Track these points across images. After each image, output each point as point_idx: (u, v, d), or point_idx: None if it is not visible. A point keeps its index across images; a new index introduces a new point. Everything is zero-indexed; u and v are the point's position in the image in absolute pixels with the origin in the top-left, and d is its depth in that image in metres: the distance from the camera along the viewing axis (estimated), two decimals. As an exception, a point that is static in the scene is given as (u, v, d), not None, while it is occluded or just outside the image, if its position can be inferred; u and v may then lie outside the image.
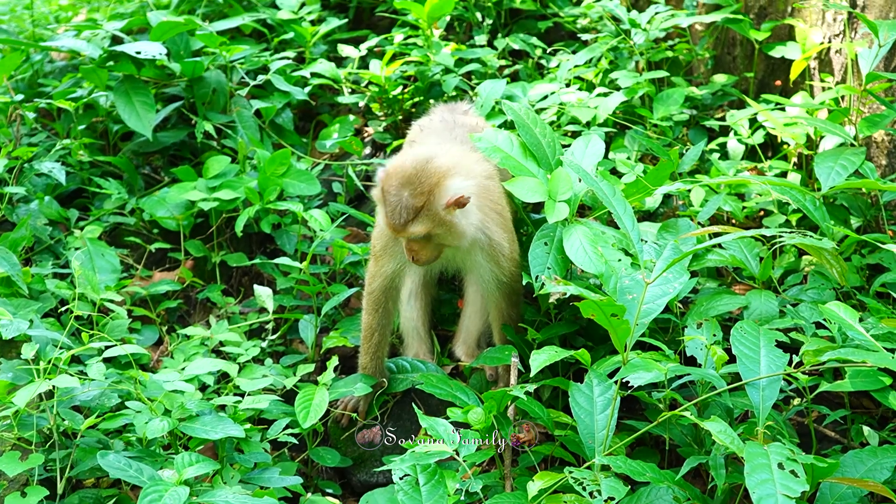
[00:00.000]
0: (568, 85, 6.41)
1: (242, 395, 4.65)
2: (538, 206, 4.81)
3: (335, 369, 4.91)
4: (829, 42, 5.59)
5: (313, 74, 6.91)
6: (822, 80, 5.68)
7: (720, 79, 6.31)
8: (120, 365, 4.82)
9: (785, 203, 5.21)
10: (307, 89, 6.85)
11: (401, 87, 6.86)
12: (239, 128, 6.47)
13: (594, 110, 5.94)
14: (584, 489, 3.46)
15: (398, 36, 7.00)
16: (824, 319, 4.15)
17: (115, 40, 6.67)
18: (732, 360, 3.82)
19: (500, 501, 3.80)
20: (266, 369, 5.01)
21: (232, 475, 4.26)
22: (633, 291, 4.03)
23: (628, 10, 6.51)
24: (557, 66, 6.71)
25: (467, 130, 4.97)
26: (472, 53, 6.85)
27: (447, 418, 3.98)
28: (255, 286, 5.43)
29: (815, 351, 3.71)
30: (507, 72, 6.97)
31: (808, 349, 3.74)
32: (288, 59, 6.91)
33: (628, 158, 5.69)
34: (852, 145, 4.97)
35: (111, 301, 5.22)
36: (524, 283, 4.64)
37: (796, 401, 4.39)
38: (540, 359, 3.85)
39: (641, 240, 4.16)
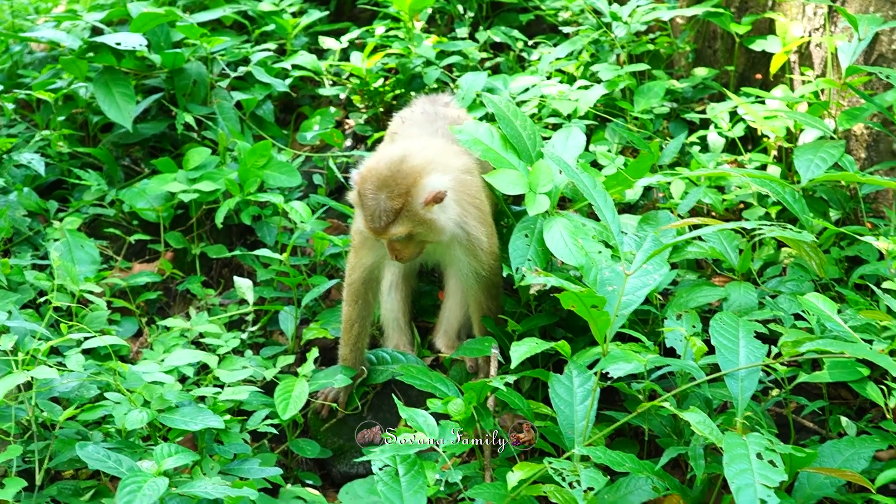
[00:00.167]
0: (549, 77, 6.41)
1: (222, 387, 4.64)
2: (519, 199, 4.82)
3: (315, 361, 4.90)
4: (810, 36, 5.60)
5: (294, 66, 6.89)
6: (802, 74, 5.69)
7: (701, 72, 6.32)
8: (99, 356, 4.80)
9: (765, 196, 5.22)
10: (288, 81, 6.83)
11: (382, 80, 6.85)
12: (219, 119, 6.45)
13: (575, 103, 5.94)
14: (563, 479, 3.47)
15: (379, 28, 7.00)
16: (803, 311, 4.17)
17: (95, 31, 6.65)
18: (712, 351, 3.83)
19: (480, 492, 3.80)
20: (246, 361, 5.00)
21: (211, 466, 4.25)
22: (612, 283, 4.03)
23: (609, 4, 6.52)
24: (539, 59, 6.71)
25: (449, 122, 4.97)
26: (454, 46, 6.85)
27: (427, 409, 3.98)
28: (235, 278, 5.42)
29: (794, 342, 3.73)
30: (488, 64, 6.97)
31: (787, 340, 3.75)
32: (269, 50, 6.90)
33: (609, 151, 5.69)
34: (832, 138, 4.99)
35: (90, 292, 5.20)
36: (504, 274, 4.64)
37: (775, 392, 4.41)
38: (520, 350, 3.85)
39: (622, 232, 4.17)
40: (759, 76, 6.15)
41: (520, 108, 5.01)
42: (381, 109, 6.82)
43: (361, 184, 4.45)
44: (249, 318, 5.45)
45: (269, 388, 4.87)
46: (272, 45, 6.99)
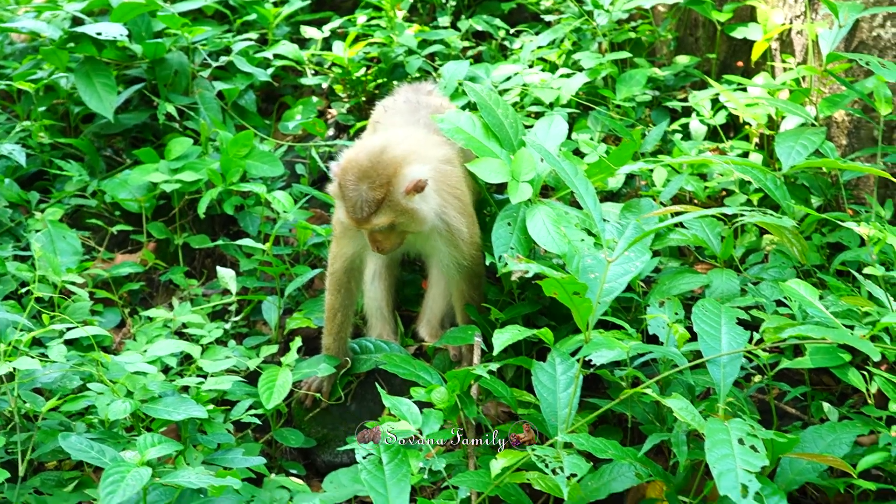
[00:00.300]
0: (531, 66, 6.41)
1: (205, 377, 4.64)
2: (501, 187, 4.82)
3: (299, 350, 4.90)
4: (791, 23, 5.61)
5: (276, 56, 6.88)
6: (783, 61, 5.70)
7: (683, 60, 6.32)
8: (82, 347, 4.79)
9: (747, 183, 5.24)
10: (270, 71, 6.82)
11: (364, 69, 6.84)
12: (201, 109, 6.43)
13: (557, 91, 5.94)
14: (547, 467, 3.47)
15: (361, 17, 7.00)
16: (785, 297, 4.18)
17: (76, 21, 6.61)
18: (694, 338, 3.83)
19: (464, 479, 3.81)
20: (229, 351, 4.99)
21: (195, 456, 4.25)
22: (594, 270, 4.04)
23: (591, -8, 6.53)
24: (521, 48, 6.71)
25: (431, 111, 4.96)
26: (436, 35, 6.85)
27: (411, 398, 3.98)
28: (218, 268, 5.41)
29: (776, 328, 3.74)
30: (470, 53, 6.97)
31: (769, 327, 3.76)
32: (250, 40, 6.89)
33: (591, 139, 5.70)
34: (813, 125, 5.00)
35: (72, 283, 5.19)
36: (487, 263, 4.65)
37: (757, 378, 4.42)
38: (503, 338, 3.85)
39: (603, 219, 4.18)
40: (740, 64, 6.16)
41: (502, 96, 5.01)
42: (364, 99, 6.82)
43: (342, 175, 4.44)
44: (232, 308, 5.44)
45: (252, 377, 4.87)
46: (254, 35, 6.97)
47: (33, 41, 7.24)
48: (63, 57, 6.34)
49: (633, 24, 6.56)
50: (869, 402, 4.03)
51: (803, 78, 5.31)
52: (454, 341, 4.72)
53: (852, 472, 3.50)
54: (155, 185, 5.92)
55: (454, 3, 7.37)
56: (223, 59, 6.60)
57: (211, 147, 6.14)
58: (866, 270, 4.26)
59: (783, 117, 5.37)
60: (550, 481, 3.57)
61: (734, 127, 5.91)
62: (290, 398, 4.94)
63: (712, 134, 5.83)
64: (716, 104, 5.80)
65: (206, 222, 6.12)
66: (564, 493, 3.41)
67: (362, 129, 5.87)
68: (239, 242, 5.45)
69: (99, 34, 6.16)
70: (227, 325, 5.30)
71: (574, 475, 3.45)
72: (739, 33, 5.94)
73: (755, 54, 5.69)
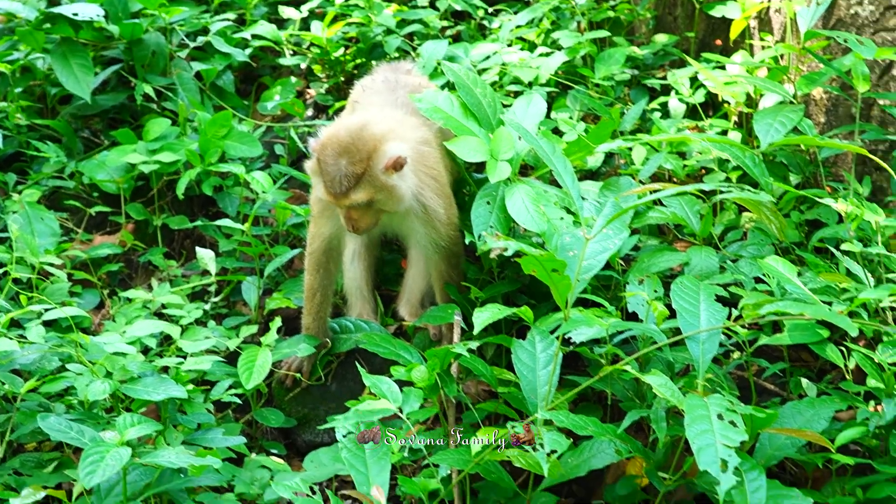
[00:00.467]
0: (510, 45, 6.41)
1: (185, 357, 4.63)
2: (480, 166, 4.81)
3: (278, 330, 4.89)
4: (769, 1, 5.61)
5: (254, 36, 6.86)
6: (761, 40, 5.71)
7: (661, 39, 6.33)
8: (61, 329, 4.78)
9: (725, 161, 5.25)
10: (248, 51, 6.80)
11: (342, 49, 6.83)
12: (179, 90, 6.40)
13: (536, 70, 5.94)
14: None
15: (339, -3, 6.97)
16: (763, 274, 4.19)
17: (52, 2, 6.57)
18: (673, 315, 3.85)
19: (444, 458, 3.81)
20: (209, 331, 4.99)
21: (175, 436, 4.24)
22: (573, 248, 4.05)
23: (570, -29, 6.53)
24: (499, 27, 6.71)
25: (410, 90, 4.95)
26: (414, 14, 6.83)
27: (391, 377, 3.98)
28: (198, 248, 5.40)
29: (755, 304, 3.74)
30: (449, 33, 6.96)
31: (748, 303, 3.77)
32: (228, 20, 6.86)
33: (570, 118, 5.70)
34: (791, 103, 5.01)
35: (51, 265, 5.17)
36: (467, 242, 4.65)
37: (736, 354, 4.44)
38: (482, 316, 3.85)
39: (582, 197, 4.18)
40: (718, 42, 6.17)
41: (481, 75, 5.01)
42: (343, 79, 6.80)
43: (321, 151, 4.44)
44: (212, 288, 5.42)
45: (232, 358, 4.86)
46: (231, 15, 6.94)
47: (9, 22, 7.17)
48: (39, 38, 6.30)
49: (611, 2, 6.56)
50: (847, 377, 4.05)
51: (781, 56, 5.32)
52: (434, 320, 4.72)
53: (830, 447, 3.52)
54: (133, 166, 5.89)
55: (433, -17, 7.35)
56: (201, 40, 6.58)
57: (189, 128, 6.12)
58: (844, 247, 4.28)
59: (761, 95, 5.38)
60: (531, 458, 3.58)
61: (713, 105, 5.92)
62: (270, 378, 4.94)
63: (691, 112, 5.84)
64: (694, 82, 5.80)
65: (184, 203, 6.10)
66: (545, 470, 3.43)
67: (341, 109, 5.86)
68: (218, 223, 5.44)
69: (75, 15, 6.13)
70: (207, 306, 5.28)
71: (554, 452, 3.46)
72: (718, 12, 5.94)
73: (733, 32, 5.69)
